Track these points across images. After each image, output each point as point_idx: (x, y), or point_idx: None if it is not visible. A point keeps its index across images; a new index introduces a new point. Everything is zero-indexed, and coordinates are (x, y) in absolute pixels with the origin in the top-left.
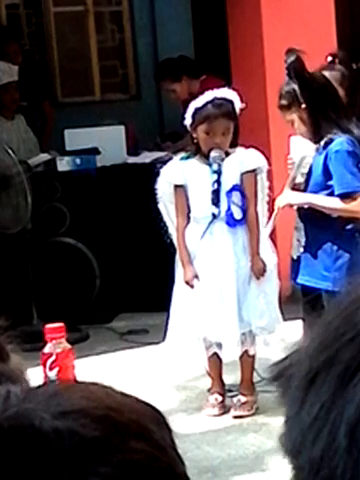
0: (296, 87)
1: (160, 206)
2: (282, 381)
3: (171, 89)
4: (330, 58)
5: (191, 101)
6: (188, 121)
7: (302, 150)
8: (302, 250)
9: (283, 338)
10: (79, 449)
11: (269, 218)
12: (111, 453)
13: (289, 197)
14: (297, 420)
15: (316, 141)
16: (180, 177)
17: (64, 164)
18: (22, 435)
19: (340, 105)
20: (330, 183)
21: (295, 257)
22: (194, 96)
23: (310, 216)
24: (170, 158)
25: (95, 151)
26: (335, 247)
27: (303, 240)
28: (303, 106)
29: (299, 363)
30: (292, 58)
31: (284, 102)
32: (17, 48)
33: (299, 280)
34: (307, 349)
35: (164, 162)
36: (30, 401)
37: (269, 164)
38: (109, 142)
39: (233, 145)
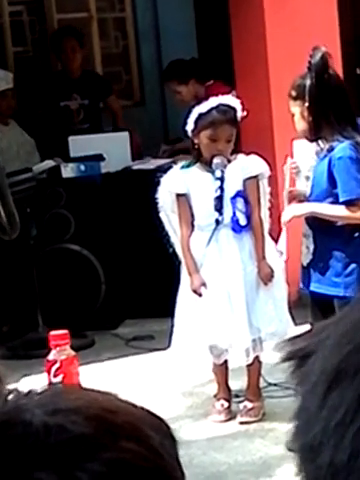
0: (308, 83)
1: (162, 215)
2: (298, 368)
3: (177, 91)
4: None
5: (197, 105)
6: (190, 126)
7: (305, 154)
8: (311, 257)
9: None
10: (67, 444)
11: (278, 234)
12: (99, 450)
13: (293, 210)
14: (318, 417)
15: (312, 140)
16: (182, 186)
17: (68, 171)
18: (12, 429)
19: (347, 111)
20: (336, 191)
21: (305, 264)
22: (199, 101)
23: (318, 223)
24: (172, 166)
25: (99, 158)
26: (344, 254)
27: (312, 247)
28: (306, 104)
29: (323, 357)
30: (317, 57)
31: (293, 93)
32: (76, 45)
33: (310, 287)
34: (334, 345)
35: (167, 170)
36: (28, 399)
37: (274, 170)
38: (113, 148)
39: (234, 152)
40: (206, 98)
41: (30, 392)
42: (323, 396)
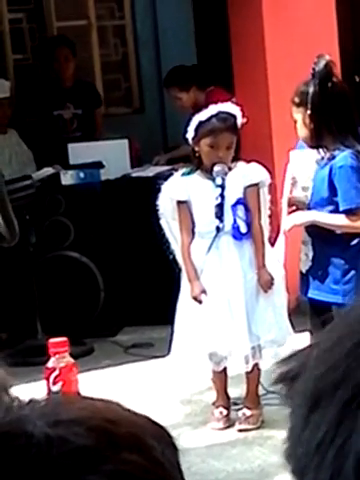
0: (311, 91)
1: (162, 222)
2: (289, 389)
3: (178, 97)
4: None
5: (197, 112)
6: (190, 134)
7: (302, 164)
8: (310, 264)
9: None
10: (69, 456)
11: (275, 239)
12: (101, 462)
13: (293, 219)
14: (301, 438)
15: (313, 147)
16: (183, 193)
17: (68, 178)
18: (14, 441)
19: (349, 120)
20: (336, 199)
21: (304, 271)
22: (200, 107)
23: (317, 230)
24: (172, 173)
25: (99, 165)
26: (343, 261)
27: (311, 254)
28: (308, 112)
29: (305, 378)
30: (321, 65)
31: (296, 99)
32: (68, 54)
33: (309, 294)
34: (313, 365)
35: (167, 177)
36: (30, 410)
37: (272, 178)
38: (113, 156)
39: (234, 159)
40: (206, 104)
41: (31, 402)
42: (306, 417)
